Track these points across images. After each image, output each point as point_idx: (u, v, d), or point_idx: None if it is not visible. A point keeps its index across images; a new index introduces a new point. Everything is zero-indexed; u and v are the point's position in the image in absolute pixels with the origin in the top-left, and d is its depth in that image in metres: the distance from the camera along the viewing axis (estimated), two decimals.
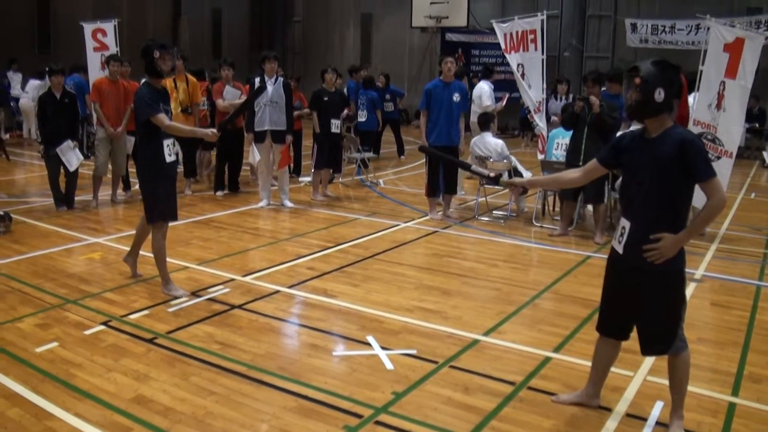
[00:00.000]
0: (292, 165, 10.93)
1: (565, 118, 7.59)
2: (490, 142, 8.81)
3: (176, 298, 5.50)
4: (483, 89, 11.00)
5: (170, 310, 5.23)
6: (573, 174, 3.93)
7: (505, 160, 8.67)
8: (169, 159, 5.51)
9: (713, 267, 6.75)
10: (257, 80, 8.94)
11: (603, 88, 7.59)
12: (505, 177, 4.21)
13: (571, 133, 7.74)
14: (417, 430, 3.57)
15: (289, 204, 9.27)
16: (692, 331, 5.01)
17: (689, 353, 3.55)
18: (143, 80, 5.73)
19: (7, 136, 9.99)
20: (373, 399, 3.88)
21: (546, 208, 9.12)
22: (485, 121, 9.10)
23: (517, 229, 8.30)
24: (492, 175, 4.08)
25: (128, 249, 6.09)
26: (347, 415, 3.71)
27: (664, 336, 3.44)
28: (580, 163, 7.41)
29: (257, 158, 9.00)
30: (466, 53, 21.82)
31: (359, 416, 3.69)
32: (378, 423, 3.63)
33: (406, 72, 23.40)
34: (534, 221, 8.52)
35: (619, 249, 3.49)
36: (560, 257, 7.02)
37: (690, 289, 5.98)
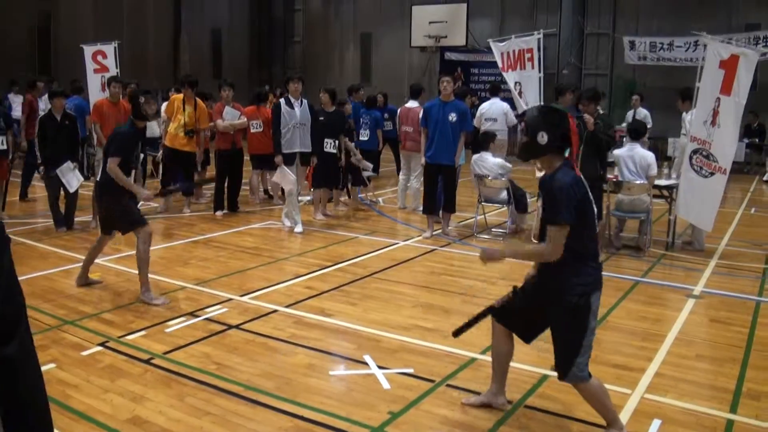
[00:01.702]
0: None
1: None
2: (488, 161, 8.83)
3: (156, 306, 5.73)
4: (507, 107, 11.11)
5: (167, 330, 5.24)
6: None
7: (503, 178, 8.69)
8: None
9: (713, 283, 6.74)
10: (283, 102, 8.78)
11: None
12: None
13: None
14: None
15: (296, 228, 9.13)
16: (691, 347, 5.02)
17: (595, 384, 3.57)
18: (130, 118, 6.22)
19: (13, 156, 10.01)
20: (370, 419, 3.87)
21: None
22: (484, 140, 9.14)
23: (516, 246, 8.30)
24: (512, 293, 3.90)
25: (127, 270, 6.13)
26: None
27: (559, 358, 3.59)
28: None
29: (292, 179, 8.77)
30: (465, 72, 21.93)
31: None
32: None
33: (406, 91, 23.42)
34: (533, 239, 8.51)
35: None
36: None
37: (689, 306, 5.97)
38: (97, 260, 7.13)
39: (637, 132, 7.92)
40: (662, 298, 6.24)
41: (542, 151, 3.56)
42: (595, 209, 3.61)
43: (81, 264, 6.44)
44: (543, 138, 3.51)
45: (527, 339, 3.91)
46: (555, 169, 3.54)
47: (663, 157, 15.59)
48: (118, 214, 6.01)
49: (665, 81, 15.94)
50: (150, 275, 6.00)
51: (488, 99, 11.54)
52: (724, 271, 7.25)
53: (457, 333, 4.05)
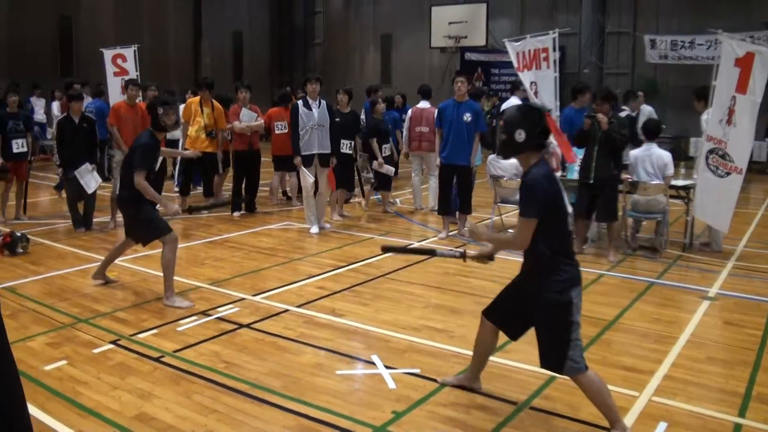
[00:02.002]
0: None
1: (575, 136, 7.59)
2: (503, 161, 8.81)
3: (180, 309, 5.74)
4: (508, 103, 11.08)
5: (179, 329, 5.30)
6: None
7: (518, 179, 8.65)
8: None
9: (728, 285, 6.66)
10: (300, 104, 8.79)
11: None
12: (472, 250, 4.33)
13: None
14: None
15: (327, 226, 9.23)
16: (702, 350, 4.97)
17: (592, 375, 3.62)
18: (149, 129, 6.16)
19: (32, 159, 10.21)
20: (373, 418, 3.89)
21: None
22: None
23: None
24: (458, 254, 4.24)
25: (143, 270, 6.20)
26: None
27: (550, 355, 3.63)
28: (591, 181, 7.41)
29: (310, 180, 8.82)
30: (485, 72, 21.90)
31: None
32: None
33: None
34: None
35: None
36: None
37: (703, 308, 5.91)
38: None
39: (652, 132, 7.84)
40: (676, 300, 6.18)
41: (520, 149, 3.66)
42: (570, 208, 3.66)
43: (98, 264, 6.54)
44: (521, 136, 3.62)
45: (514, 336, 4.01)
46: (531, 165, 3.64)
47: (684, 157, 15.45)
48: (139, 225, 6.03)
49: (686, 80, 15.74)
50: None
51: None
52: (741, 273, 7.16)
53: (387, 249, 4.49)
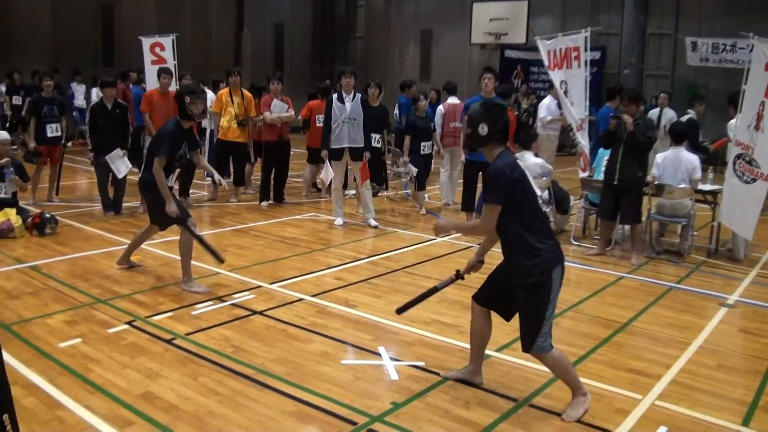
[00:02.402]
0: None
1: (602, 137, 7.52)
2: (528, 161, 8.76)
3: (197, 293, 5.85)
4: (543, 103, 11.05)
5: (194, 313, 5.42)
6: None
7: (543, 178, 8.60)
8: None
9: (749, 293, 6.53)
10: (335, 97, 8.82)
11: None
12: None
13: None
14: None
15: (373, 222, 9.00)
16: (714, 356, 4.90)
17: (557, 354, 3.90)
18: (175, 117, 6.17)
19: (70, 144, 10.52)
20: (371, 407, 3.94)
21: (586, 227, 9.00)
22: (526, 140, 9.07)
23: None
24: (453, 278, 4.36)
25: (166, 254, 6.33)
26: (342, 421, 3.77)
27: (525, 335, 3.87)
28: (615, 182, 7.34)
29: (330, 176, 8.88)
30: (525, 70, 21.71)
31: (354, 423, 3.75)
32: (370, 431, 3.68)
33: (465, 89, 23.38)
34: (572, 240, 8.41)
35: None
36: (592, 276, 6.93)
37: (720, 315, 5.82)
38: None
39: (680, 135, 7.73)
40: (694, 306, 6.09)
41: (483, 141, 3.91)
42: (539, 191, 3.90)
43: (123, 247, 6.70)
44: (483, 129, 3.87)
45: (507, 317, 4.16)
46: (495, 156, 3.88)
47: (722, 162, 15.11)
48: (158, 209, 6.07)
49: (727, 84, 15.36)
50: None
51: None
52: (764, 281, 7.02)
53: (400, 310, 4.51)
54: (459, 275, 4.30)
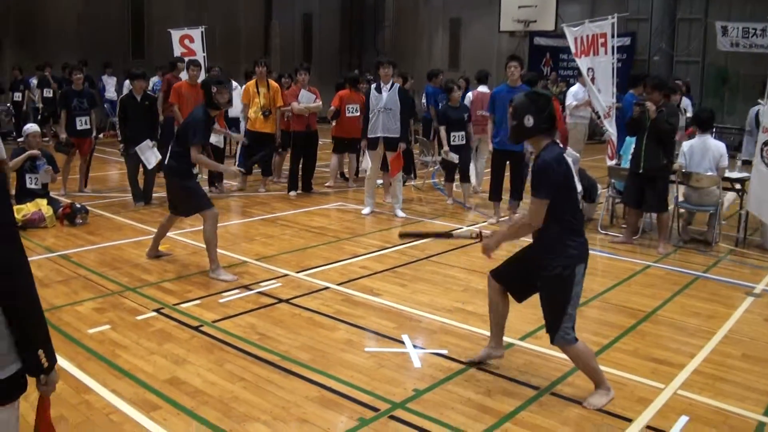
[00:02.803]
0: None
1: (627, 125, 7.47)
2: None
3: (225, 281, 5.94)
4: (571, 91, 10.99)
5: (221, 301, 5.51)
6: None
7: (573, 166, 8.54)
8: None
9: None
10: (373, 87, 8.88)
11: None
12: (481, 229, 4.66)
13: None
14: (429, 427, 3.65)
15: (400, 213, 9.01)
16: (738, 346, 4.87)
17: (581, 347, 3.91)
18: (202, 106, 6.25)
19: (101, 135, 10.72)
20: (394, 394, 3.99)
21: (614, 216, 8.94)
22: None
23: None
24: (474, 234, 4.40)
25: (194, 243, 6.45)
26: (365, 408, 3.83)
27: (549, 326, 3.91)
28: (640, 171, 7.28)
29: (368, 165, 8.91)
30: (554, 57, 21.52)
31: (376, 410, 3.81)
32: (392, 417, 3.73)
33: (495, 77, 23.24)
34: (599, 229, 8.36)
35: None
36: (619, 265, 6.89)
37: (746, 304, 5.77)
38: (168, 233, 7.53)
39: (705, 122, 7.64)
40: (720, 295, 6.03)
41: (529, 133, 3.89)
42: (579, 187, 3.77)
43: (152, 236, 6.83)
44: (529, 121, 3.83)
45: (519, 299, 4.23)
46: (542, 149, 3.85)
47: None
48: (183, 197, 6.26)
49: (758, 69, 15.10)
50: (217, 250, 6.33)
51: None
52: None
53: (404, 235, 4.75)
54: (479, 236, 4.31)
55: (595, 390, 3.98)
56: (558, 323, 3.84)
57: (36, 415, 2.35)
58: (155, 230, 7.21)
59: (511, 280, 4.17)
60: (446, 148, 9.85)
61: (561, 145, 3.94)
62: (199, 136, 6.07)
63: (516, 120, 3.90)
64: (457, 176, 9.90)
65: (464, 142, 9.75)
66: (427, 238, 4.44)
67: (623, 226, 8.46)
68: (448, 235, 4.54)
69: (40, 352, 2.10)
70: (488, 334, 4.90)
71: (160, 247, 6.78)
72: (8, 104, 15.96)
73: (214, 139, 9.88)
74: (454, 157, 9.83)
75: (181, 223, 8.08)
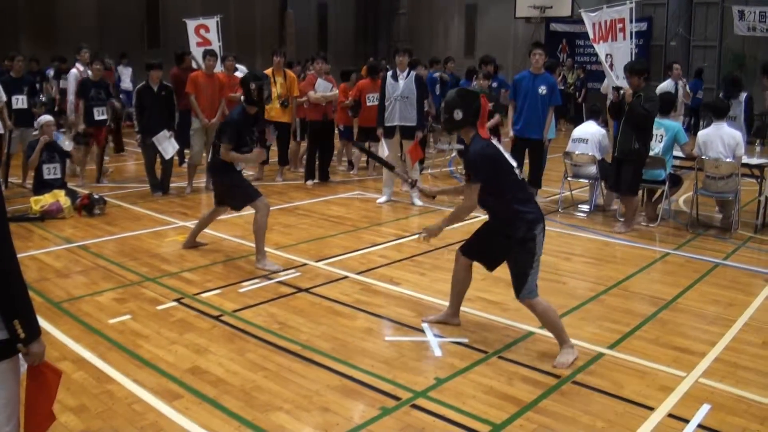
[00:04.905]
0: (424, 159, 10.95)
1: (608, 109, 7.84)
2: (589, 129, 8.73)
3: (273, 272, 5.99)
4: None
5: (241, 290, 5.54)
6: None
7: (590, 152, 8.48)
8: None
9: None
10: (389, 74, 8.86)
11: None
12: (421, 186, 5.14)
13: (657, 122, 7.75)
14: (451, 415, 3.66)
15: (418, 202, 8.97)
16: (759, 334, 4.84)
17: (545, 303, 4.35)
18: (241, 104, 6.19)
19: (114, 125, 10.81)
20: (415, 383, 4.00)
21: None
22: (596, 110, 9.21)
23: (599, 223, 8.14)
24: (410, 180, 5.06)
25: (214, 233, 6.55)
26: (386, 396, 3.84)
27: (516, 282, 4.36)
28: (615, 154, 7.64)
29: (386, 153, 8.87)
30: (570, 44, 21.39)
31: (398, 398, 3.82)
32: (414, 406, 3.74)
33: (510, 63, 23.12)
34: (619, 216, 8.30)
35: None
36: (638, 253, 6.85)
37: (766, 291, 5.71)
38: (185, 223, 7.58)
39: (720, 111, 7.59)
40: (740, 283, 5.99)
41: (458, 125, 4.40)
42: (513, 162, 4.36)
43: (171, 226, 6.87)
44: (458, 114, 4.32)
45: (490, 268, 4.76)
46: (470, 139, 4.37)
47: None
48: (230, 192, 6.26)
49: None
50: (234, 239, 6.37)
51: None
52: None
53: (361, 148, 5.70)
54: (413, 184, 5.00)
55: (561, 349, 4.34)
56: (524, 279, 4.28)
57: (26, 392, 2.39)
58: (174, 220, 7.29)
59: (480, 253, 4.68)
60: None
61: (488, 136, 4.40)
62: (233, 136, 6.02)
63: (447, 113, 4.37)
64: None
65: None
66: (373, 159, 4.92)
67: (641, 213, 8.40)
68: (390, 167, 5.69)
69: (15, 321, 2.19)
70: (509, 322, 4.99)
71: (178, 237, 6.80)
72: (43, 96, 16.01)
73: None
74: None
75: (199, 213, 8.16)
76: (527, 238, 4.26)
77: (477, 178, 4.30)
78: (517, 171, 4.39)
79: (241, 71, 11.44)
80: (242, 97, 6.15)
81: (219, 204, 6.50)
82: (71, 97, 10.17)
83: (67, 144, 8.24)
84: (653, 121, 7.52)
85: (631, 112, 7.29)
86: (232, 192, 6.24)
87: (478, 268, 4.78)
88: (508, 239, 4.33)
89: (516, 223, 4.27)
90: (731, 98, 7.66)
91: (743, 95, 8.82)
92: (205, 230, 6.84)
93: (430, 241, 4.82)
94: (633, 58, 8.41)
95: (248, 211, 7.50)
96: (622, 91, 7.54)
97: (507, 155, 4.40)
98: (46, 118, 8.38)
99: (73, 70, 10.44)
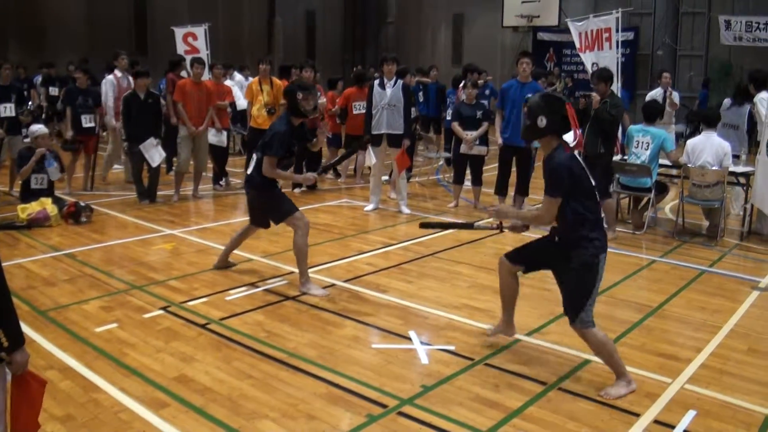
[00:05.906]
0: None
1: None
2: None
3: (316, 297, 5.63)
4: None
5: (228, 298, 5.52)
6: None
7: None
8: None
9: None
10: (376, 83, 8.87)
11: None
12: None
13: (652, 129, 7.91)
14: (437, 422, 3.66)
15: (406, 210, 8.93)
16: (745, 340, 4.87)
17: (598, 332, 4.04)
18: (285, 114, 5.92)
19: (105, 134, 10.74)
20: (401, 390, 3.99)
21: (618, 211, 8.93)
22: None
23: None
24: (495, 226, 4.69)
25: (200, 241, 6.44)
26: (373, 404, 3.84)
27: (571, 307, 4.07)
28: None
29: (373, 161, 8.89)
30: (557, 53, 21.55)
31: (384, 406, 3.81)
32: (401, 414, 3.74)
33: (498, 72, 23.24)
34: (604, 224, 8.34)
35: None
36: (625, 260, 6.88)
37: (751, 298, 5.76)
38: (172, 231, 7.56)
39: (711, 120, 7.66)
40: (726, 289, 6.03)
41: (542, 133, 4.03)
42: (593, 182, 4.00)
43: (158, 234, 6.83)
44: (542, 122, 3.98)
45: (527, 271, 4.46)
46: (553, 149, 4.01)
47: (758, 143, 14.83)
48: (268, 207, 5.92)
49: (761, 63, 15.08)
50: (222, 247, 6.34)
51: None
52: None
53: (425, 225, 4.91)
54: (501, 228, 4.58)
55: (617, 380, 4.07)
56: (580, 307, 4.00)
57: (11, 401, 2.38)
58: (161, 228, 7.26)
59: (529, 261, 4.38)
60: (468, 137, 9.31)
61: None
62: (279, 148, 5.67)
63: (530, 120, 4.04)
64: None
65: (478, 142, 9.37)
66: (449, 229, 4.55)
67: (628, 221, 8.47)
68: (469, 225, 4.90)
69: None
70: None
71: (164, 245, 6.78)
72: (30, 103, 15.95)
73: (215, 139, 9.89)
74: (483, 149, 9.46)
75: (186, 221, 8.14)
76: (591, 264, 3.97)
77: (558, 191, 3.94)
78: (597, 194, 4.08)
79: (238, 82, 11.46)
80: (285, 107, 5.88)
81: (255, 223, 6.16)
82: (110, 103, 10.15)
83: (54, 172, 8.12)
84: (618, 126, 7.70)
85: (597, 118, 7.42)
86: (272, 207, 5.88)
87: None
88: (567, 262, 4.04)
89: (581, 248, 3.98)
90: (738, 105, 7.73)
91: (747, 106, 8.83)
92: (192, 238, 6.82)
93: (496, 222, 4.56)
94: (619, 68, 8.49)
95: (233, 219, 7.50)
96: (589, 99, 7.64)
97: (589, 174, 4.06)
98: (42, 130, 8.26)
99: (110, 77, 10.34)
